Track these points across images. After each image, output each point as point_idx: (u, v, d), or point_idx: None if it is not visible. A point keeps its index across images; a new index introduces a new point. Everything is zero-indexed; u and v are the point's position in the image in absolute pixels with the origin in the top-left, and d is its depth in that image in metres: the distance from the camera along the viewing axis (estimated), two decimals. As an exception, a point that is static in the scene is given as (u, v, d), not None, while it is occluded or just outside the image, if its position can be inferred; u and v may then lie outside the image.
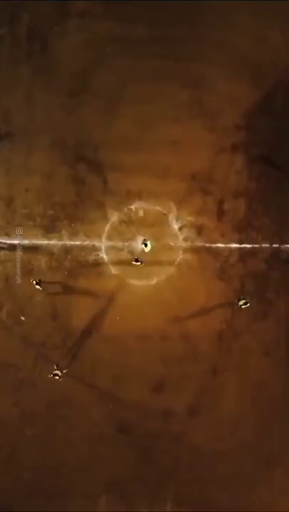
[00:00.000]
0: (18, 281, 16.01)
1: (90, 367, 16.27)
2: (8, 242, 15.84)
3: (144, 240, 15.72)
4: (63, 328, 16.14)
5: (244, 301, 15.70)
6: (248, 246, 16.23)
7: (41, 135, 16.09)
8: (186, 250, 16.29)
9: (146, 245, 15.61)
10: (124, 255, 16.23)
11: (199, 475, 16.30)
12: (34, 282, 15.47)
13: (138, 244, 16.21)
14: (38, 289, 15.83)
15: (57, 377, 15.34)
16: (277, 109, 16.28)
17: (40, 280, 15.61)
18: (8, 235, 15.97)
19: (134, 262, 15.57)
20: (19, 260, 15.98)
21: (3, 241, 15.86)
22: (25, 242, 15.96)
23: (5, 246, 15.87)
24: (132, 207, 16.33)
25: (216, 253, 16.24)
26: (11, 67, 16.12)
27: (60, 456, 16.27)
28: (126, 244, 16.25)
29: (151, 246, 15.89)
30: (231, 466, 16.31)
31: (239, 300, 15.81)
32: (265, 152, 16.23)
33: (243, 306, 15.74)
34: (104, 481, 16.21)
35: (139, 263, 15.57)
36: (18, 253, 15.90)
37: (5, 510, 16.35)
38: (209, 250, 16.26)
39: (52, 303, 16.14)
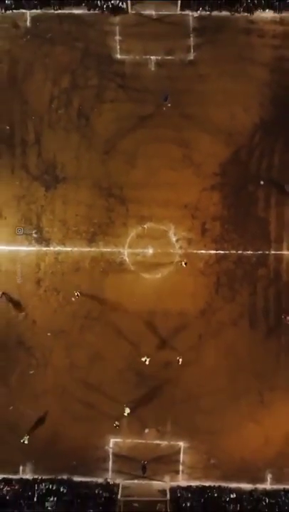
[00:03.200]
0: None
1: (116, 333, 24.28)
2: (65, 249, 24.14)
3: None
4: (99, 306, 24.26)
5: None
6: (222, 252, 24.21)
7: (85, 179, 24.41)
8: (180, 255, 24.31)
9: None
10: (140, 258, 24.33)
11: (189, 406, 24.10)
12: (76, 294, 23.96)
13: (149, 251, 24.36)
14: (83, 281, 24.13)
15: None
16: (242, 162, 24.28)
17: (80, 293, 23.98)
18: (64, 244, 24.26)
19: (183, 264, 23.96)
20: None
21: (61, 248, 24.16)
22: (75, 249, 24.25)
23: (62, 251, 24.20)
24: (145, 226, 24.41)
25: (200, 257, 24.25)
26: (65, 135, 24.46)
27: (97, 393, 24.21)
28: (141, 250, 24.34)
29: (157, 252, 24.08)
30: (211, 400, 24.09)
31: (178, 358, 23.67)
32: (234, 191, 24.32)
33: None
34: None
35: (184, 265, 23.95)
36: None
37: (54, 430, 24.27)
38: (196, 255, 24.27)
39: (91, 290, 24.28)
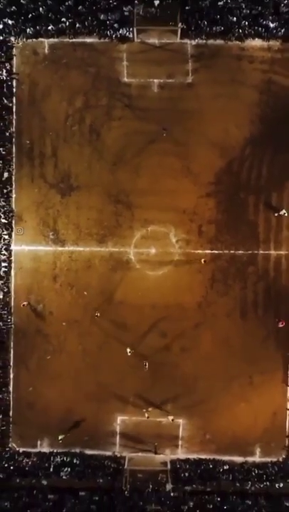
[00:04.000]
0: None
1: (122, 323, 27.33)
2: (78, 249, 27.35)
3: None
4: (108, 299, 27.35)
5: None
6: (216, 252, 27.24)
7: (96, 187, 27.34)
8: (180, 254, 27.34)
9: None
10: (144, 257, 27.38)
11: (187, 388, 27.10)
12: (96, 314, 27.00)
13: (152, 251, 27.49)
14: (94, 277, 27.29)
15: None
16: (234, 172, 27.31)
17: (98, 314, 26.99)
18: (77, 244, 27.42)
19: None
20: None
21: (75, 248, 27.35)
22: (87, 249, 27.43)
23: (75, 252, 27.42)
24: (148, 228, 27.39)
25: (197, 256, 27.28)
26: (79, 149, 27.46)
27: (105, 376, 27.29)
28: (145, 250, 27.44)
29: (159, 251, 27.22)
30: (207, 383, 27.04)
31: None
32: (227, 197, 27.44)
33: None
34: (132, 390, 27.20)
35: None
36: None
37: (68, 410, 27.33)
38: (193, 254, 27.31)
39: (102, 285, 27.40)
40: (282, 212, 26.80)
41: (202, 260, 26.97)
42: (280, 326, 26.95)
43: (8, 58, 27.42)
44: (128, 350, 26.77)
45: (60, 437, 26.79)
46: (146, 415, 26.79)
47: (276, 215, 27.00)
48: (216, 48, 27.24)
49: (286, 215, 26.78)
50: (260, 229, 27.22)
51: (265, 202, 27.29)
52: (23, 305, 27.35)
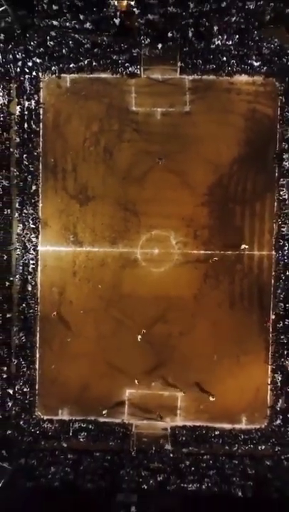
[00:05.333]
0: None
1: (130, 312, 32.33)
2: (94, 249, 32.61)
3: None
4: (118, 292, 32.34)
5: None
6: (209, 252, 32.23)
7: (109, 198, 32.10)
8: (179, 254, 32.36)
9: None
10: (149, 256, 32.33)
11: (185, 366, 31.86)
12: (142, 334, 31.31)
13: (155, 251, 32.67)
14: (107, 273, 32.52)
15: None
16: (224, 186, 32.27)
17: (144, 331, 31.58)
18: (92, 245, 32.64)
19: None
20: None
21: (91, 249, 32.62)
22: (101, 249, 32.65)
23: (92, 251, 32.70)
24: (152, 232, 32.28)
25: (193, 255, 32.34)
26: (95, 166, 32.49)
27: (116, 357, 32.16)
28: (149, 251, 32.39)
29: (162, 252, 32.46)
30: (201, 362, 31.67)
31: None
32: (218, 206, 32.58)
33: None
34: (138, 368, 32.16)
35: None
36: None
37: (84, 385, 32.33)
38: (190, 254, 32.23)
39: (113, 280, 32.42)
40: (242, 247, 31.61)
41: (213, 259, 31.54)
42: (268, 325, 31.69)
43: (36, 91, 32.19)
44: (139, 336, 31.38)
45: (104, 412, 31.44)
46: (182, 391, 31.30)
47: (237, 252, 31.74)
48: (209, 83, 31.37)
49: (246, 247, 31.53)
50: (246, 233, 31.95)
51: (250, 211, 32.19)
52: (54, 315, 32.20)
